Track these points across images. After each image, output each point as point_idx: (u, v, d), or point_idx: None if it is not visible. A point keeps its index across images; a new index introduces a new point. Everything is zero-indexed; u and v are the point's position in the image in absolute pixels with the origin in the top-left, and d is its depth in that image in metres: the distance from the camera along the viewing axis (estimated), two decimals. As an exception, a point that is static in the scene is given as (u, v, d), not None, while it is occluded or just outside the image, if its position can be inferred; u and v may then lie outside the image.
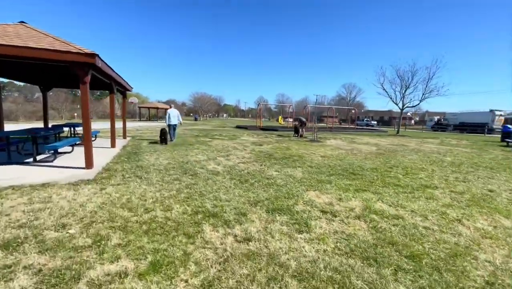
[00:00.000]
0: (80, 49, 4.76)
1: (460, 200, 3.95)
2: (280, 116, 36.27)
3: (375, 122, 64.39)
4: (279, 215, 3.10)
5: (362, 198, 3.83)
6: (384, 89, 20.34)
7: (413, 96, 19.48)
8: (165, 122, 10.27)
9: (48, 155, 6.43)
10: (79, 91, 5.31)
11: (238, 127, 23.96)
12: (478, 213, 3.46)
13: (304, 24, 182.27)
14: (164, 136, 9.64)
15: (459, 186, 4.78)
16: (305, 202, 3.59)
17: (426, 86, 18.66)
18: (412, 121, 75.00)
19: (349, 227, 2.86)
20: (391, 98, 20.43)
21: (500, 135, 16.49)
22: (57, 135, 7.34)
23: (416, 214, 3.29)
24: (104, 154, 6.99)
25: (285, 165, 6.05)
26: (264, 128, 20.91)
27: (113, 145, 8.23)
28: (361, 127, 35.05)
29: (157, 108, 42.21)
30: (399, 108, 20.31)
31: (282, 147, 9.33)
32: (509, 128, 16.26)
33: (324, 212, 3.25)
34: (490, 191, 4.54)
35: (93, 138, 9.06)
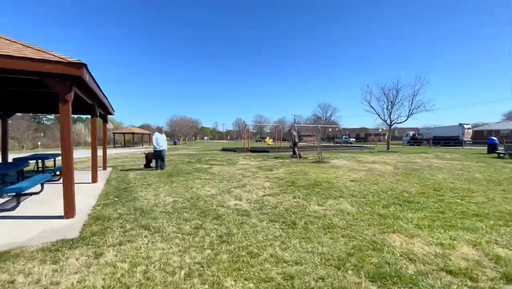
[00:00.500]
0: (62, 57, 3.53)
1: None
2: (267, 137, 35.65)
3: (353, 139, 66.80)
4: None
5: (464, 240, 2.87)
6: (371, 106, 20.63)
7: (401, 112, 19.89)
8: (154, 148, 8.89)
9: (8, 199, 4.81)
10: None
11: (225, 150, 22.73)
12: None
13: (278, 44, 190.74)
14: (149, 162, 8.50)
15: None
16: (403, 255, 2.53)
17: (412, 102, 19.16)
18: (385, 137, 78.49)
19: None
20: (379, 115, 20.69)
21: (467, 147, 16.99)
22: (21, 172, 5.72)
23: None
24: (84, 192, 5.47)
25: (321, 195, 5.00)
26: (253, 150, 19.89)
27: (94, 179, 6.67)
28: (344, 145, 35.42)
29: (133, 133, 39.87)
30: (388, 124, 20.54)
31: (296, 170, 8.31)
32: (493, 140, 16.81)
33: (451, 272, 2.21)
34: None
35: (58, 173, 7.44)
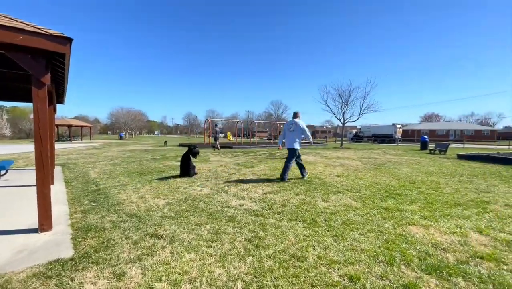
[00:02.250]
0: (40, 28, 2.76)
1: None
2: (228, 132, 35.08)
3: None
4: (462, 279, 2.12)
5: (468, 227, 3.22)
6: (328, 105, 22.09)
7: (353, 112, 21.76)
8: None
9: None
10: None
11: (184, 145, 21.57)
12: None
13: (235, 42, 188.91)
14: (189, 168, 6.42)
15: (502, 195, 4.79)
16: (434, 246, 2.71)
17: (363, 103, 21.13)
18: (330, 134, 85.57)
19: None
20: (334, 114, 22.28)
21: (401, 144, 19.95)
22: None
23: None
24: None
25: (320, 191, 5.06)
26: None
27: (50, 180, 5.52)
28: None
29: (70, 125, 34.76)
30: (341, 123, 22.29)
31: (277, 167, 8.29)
32: (425, 138, 19.70)
33: (483, 258, 2.43)
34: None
35: (2, 173, 6.05)
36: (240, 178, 6.34)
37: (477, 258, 2.46)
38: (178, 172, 6.91)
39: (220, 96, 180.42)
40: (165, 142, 24.66)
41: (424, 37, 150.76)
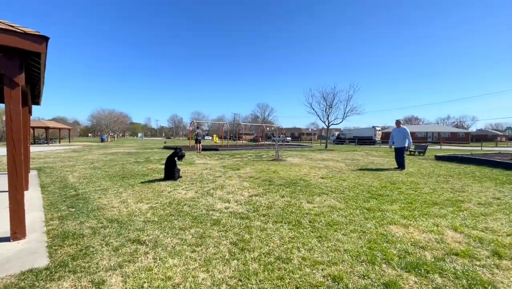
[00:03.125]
0: (12, 25, 2.64)
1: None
2: (214, 135, 34.82)
3: (289, 138, 71.84)
4: (438, 274, 2.21)
5: (444, 226, 3.37)
6: (313, 108, 22.48)
7: (337, 115, 22.27)
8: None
9: None
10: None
11: (168, 148, 21.18)
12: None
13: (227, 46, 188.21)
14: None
15: (475, 194, 5.04)
16: (413, 244, 2.81)
17: (347, 106, 21.69)
18: (316, 136, 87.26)
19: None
20: (319, 116, 22.70)
21: (382, 146, 20.85)
22: None
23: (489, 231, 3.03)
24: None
25: (305, 192, 5.12)
26: (202, 149, 19.12)
27: (24, 186, 5.24)
28: (285, 143, 37.57)
29: (47, 128, 33.23)
30: (326, 125, 22.73)
31: (263, 169, 8.31)
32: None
33: (458, 254, 2.55)
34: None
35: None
36: (226, 181, 6.30)
37: (453, 254, 2.58)
38: (162, 175, 6.77)
39: (206, 98, 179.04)
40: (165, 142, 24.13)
41: (408, 42, 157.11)
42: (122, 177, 6.89)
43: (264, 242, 2.84)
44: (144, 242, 2.81)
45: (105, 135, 46.42)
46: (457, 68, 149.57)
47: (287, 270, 2.27)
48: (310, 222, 3.50)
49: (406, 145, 8.87)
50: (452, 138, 50.64)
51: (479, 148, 28.29)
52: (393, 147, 9.28)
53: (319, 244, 2.80)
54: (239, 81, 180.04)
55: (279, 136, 39.69)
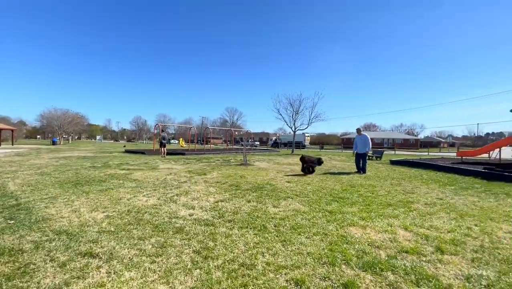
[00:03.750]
0: None
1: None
2: (181, 139, 33.71)
3: (258, 142, 73.12)
4: (390, 271, 2.36)
5: (397, 225, 3.65)
6: (280, 114, 23.07)
7: (303, 121, 23.14)
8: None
9: None
10: None
11: (130, 152, 20.00)
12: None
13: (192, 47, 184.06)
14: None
15: (422, 195, 5.55)
16: (370, 244, 2.99)
17: (312, 113, 22.66)
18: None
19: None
20: (286, 122, 23.36)
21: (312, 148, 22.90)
22: None
23: (441, 229, 3.39)
24: None
25: (271, 197, 5.18)
26: (168, 153, 18.38)
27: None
28: (254, 148, 37.86)
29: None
30: (292, 131, 23.42)
31: (231, 174, 8.22)
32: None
33: (408, 252, 2.77)
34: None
35: None
36: (192, 186, 6.11)
37: (403, 252, 2.79)
38: (121, 181, 6.34)
39: (173, 100, 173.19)
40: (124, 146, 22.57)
41: (369, 58, 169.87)
42: (75, 183, 6.29)
43: (229, 249, 2.80)
44: (97, 255, 2.58)
45: (58, 138, 42.21)
46: (413, 81, 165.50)
47: (251, 276, 2.25)
48: (275, 226, 3.54)
49: (367, 150, 9.67)
50: (405, 144, 55.75)
51: (426, 153, 31.52)
52: (355, 152, 10.00)
53: (283, 248, 2.84)
54: (208, 84, 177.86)
55: (248, 141, 40.29)
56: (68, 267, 2.34)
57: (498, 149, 12.19)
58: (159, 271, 2.32)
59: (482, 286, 2.18)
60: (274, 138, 59.86)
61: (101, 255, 2.58)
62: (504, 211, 4.49)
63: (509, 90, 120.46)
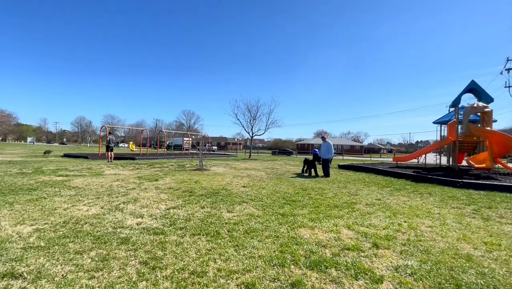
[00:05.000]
0: None
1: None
2: (131, 142, 31.28)
3: (215, 147, 72.42)
4: (342, 272, 2.54)
5: (341, 225, 3.97)
6: (238, 119, 23.21)
7: (260, 126, 23.64)
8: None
9: None
10: None
11: (70, 156, 17.90)
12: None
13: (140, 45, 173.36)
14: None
15: (364, 197, 6.13)
16: (317, 244, 3.19)
17: (268, 119, 23.32)
18: (241, 146, 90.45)
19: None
20: (243, 127, 23.58)
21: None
22: None
23: (378, 227, 3.84)
24: None
25: (226, 202, 5.15)
26: (115, 157, 16.91)
27: None
28: (211, 152, 37.22)
29: None
30: (250, 136, 23.74)
31: (185, 179, 7.92)
32: (316, 151, 23.31)
33: (349, 249, 3.03)
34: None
35: None
36: (141, 193, 5.73)
37: (346, 249, 3.04)
38: (57, 189, 5.62)
39: (123, 101, 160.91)
40: (47, 151, 19.86)
41: (326, 66, 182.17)
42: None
43: (179, 257, 2.70)
44: (20, 275, 2.24)
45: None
46: (364, 91, 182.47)
47: (202, 284, 2.21)
48: (228, 231, 3.53)
49: (330, 156, 10.76)
50: (351, 150, 61.09)
51: (369, 158, 34.96)
52: (315, 155, 11.25)
53: (235, 253, 2.85)
54: (163, 86, 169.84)
55: (205, 145, 39.46)
56: (-20, 292, 1.98)
57: (424, 155, 14.16)
58: (98, 287, 2.12)
59: (407, 274, 2.50)
60: (168, 142, 64.45)
61: (25, 275, 2.25)
62: (426, 208, 5.23)
63: (435, 105, 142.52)
